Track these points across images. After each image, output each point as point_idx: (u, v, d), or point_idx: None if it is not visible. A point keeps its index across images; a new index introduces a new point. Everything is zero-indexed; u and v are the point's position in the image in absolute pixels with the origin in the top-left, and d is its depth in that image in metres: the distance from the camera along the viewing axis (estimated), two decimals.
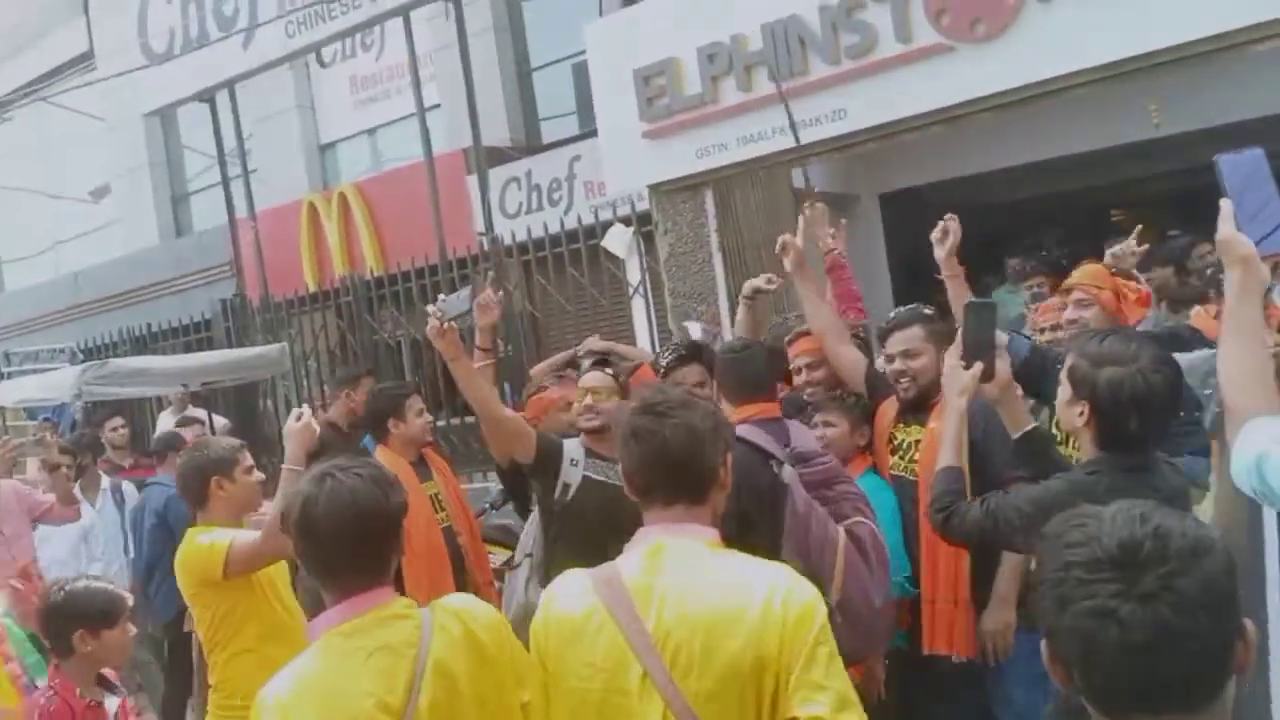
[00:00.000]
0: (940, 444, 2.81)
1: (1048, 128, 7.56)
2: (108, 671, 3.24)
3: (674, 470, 1.96)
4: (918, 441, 3.53)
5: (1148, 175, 9.35)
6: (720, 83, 7.65)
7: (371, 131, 13.61)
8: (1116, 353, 2.38)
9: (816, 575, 2.93)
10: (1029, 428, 2.81)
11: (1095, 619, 1.16)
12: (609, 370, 3.98)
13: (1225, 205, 1.96)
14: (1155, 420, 2.39)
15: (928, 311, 3.73)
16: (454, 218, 10.30)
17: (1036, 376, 3.17)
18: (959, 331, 2.87)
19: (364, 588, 2.02)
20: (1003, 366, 2.78)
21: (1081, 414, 2.43)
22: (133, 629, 3.19)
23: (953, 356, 2.79)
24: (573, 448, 3.80)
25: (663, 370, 4.03)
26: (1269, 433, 1.74)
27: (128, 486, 6.78)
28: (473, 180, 10.61)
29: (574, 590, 1.99)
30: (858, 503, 3.18)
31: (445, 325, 3.64)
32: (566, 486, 3.74)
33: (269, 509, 3.52)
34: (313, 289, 12.02)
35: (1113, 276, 3.61)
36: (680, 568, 1.90)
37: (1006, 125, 7.31)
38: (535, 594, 3.75)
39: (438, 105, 11.30)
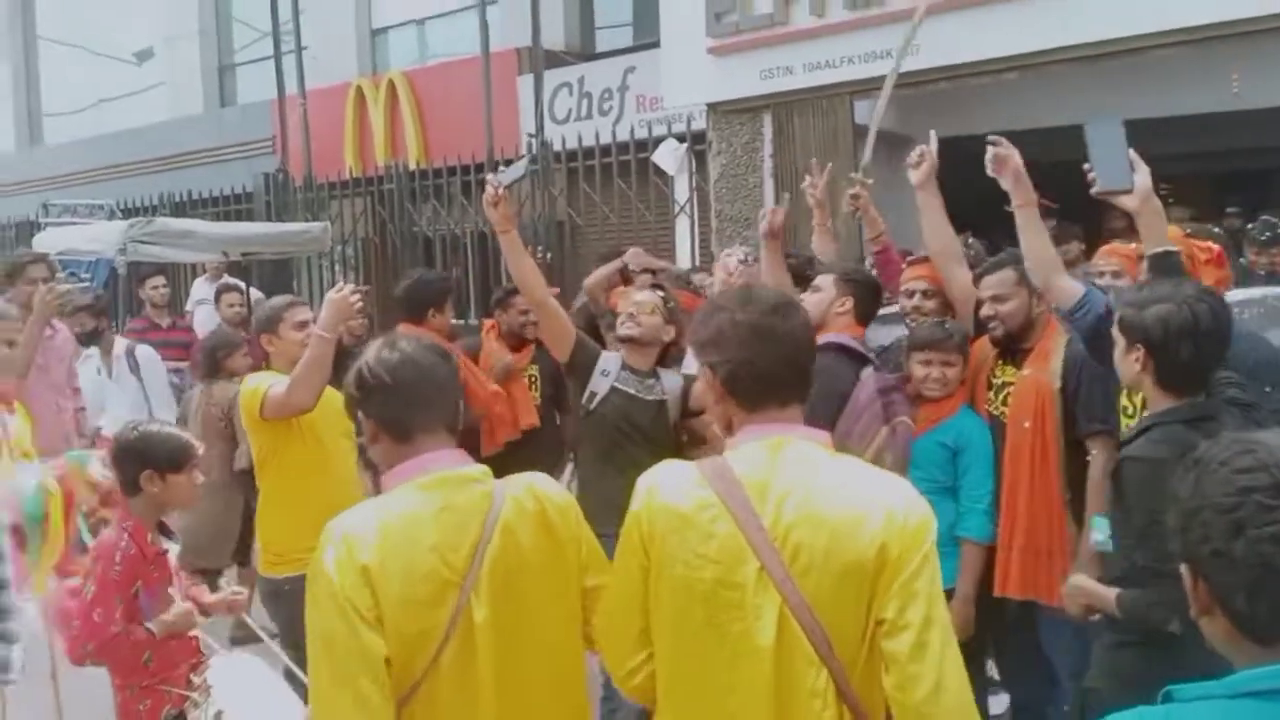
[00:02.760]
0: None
1: (1121, 89, 7.37)
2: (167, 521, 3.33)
3: (801, 370, 1.96)
4: (1009, 384, 3.54)
5: (1216, 150, 9.15)
6: (792, 4, 7.50)
7: (422, 22, 13.45)
8: (1160, 293, 2.56)
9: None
10: (1168, 248, 2.94)
11: (1279, 545, 1.16)
12: (662, 293, 4.00)
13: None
14: (1207, 348, 2.51)
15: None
16: (502, 117, 10.18)
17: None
18: (1092, 166, 2.96)
19: (433, 446, 2.04)
20: (1141, 179, 2.90)
21: (1138, 360, 2.54)
22: (199, 477, 3.26)
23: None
24: (609, 359, 3.85)
25: None
26: None
27: (143, 350, 6.72)
28: (524, 81, 10.48)
29: (681, 481, 1.94)
30: (907, 407, 3.45)
31: (500, 193, 3.65)
32: (593, 395, 3.79)
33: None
34: (354, 174, 11.97)
35: (1186, 238, 3.51)
36: (800, 467, 1.88)
37: (1080, 80, 7.14)
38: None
39: (494, 0, 11.12)
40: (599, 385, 3.79)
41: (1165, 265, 2.92)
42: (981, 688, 3.77)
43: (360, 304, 3.77)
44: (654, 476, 2.00)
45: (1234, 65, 6.49)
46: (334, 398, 3.86)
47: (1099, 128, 2.98)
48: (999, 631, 3.55)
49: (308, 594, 1.94)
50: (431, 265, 11.56)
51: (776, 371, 1.94)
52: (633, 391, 3.78)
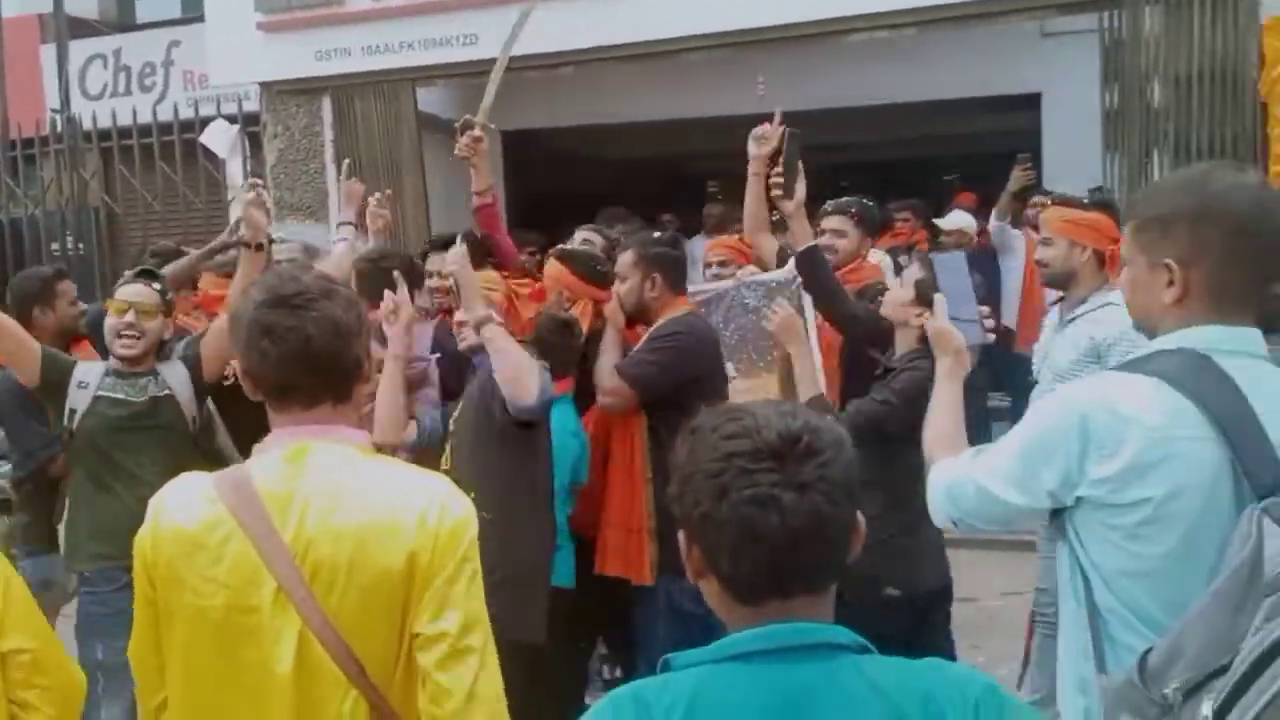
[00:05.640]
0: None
1: (665, 88, 7.88)
2: None
3: (319, 369, 1.74)
4: None
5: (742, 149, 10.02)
6: None
7: None
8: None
9: None
10: (810, 244, 3.62)
11: (757, 507, 1.20)
12: (155, 285, 3.49)
13: (939, 300, 2.24)
14: None
15: (657, 235, 3.84)
16: (23, 91, 9.12)
17: None
18: (784, 163, 3.60)
19: None
20: (800, 189, 3.58)
21: (920, 315, 3.02)
22: None
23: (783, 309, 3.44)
24: (87, 370, 3.40)
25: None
26: (949, 466, 1.97)
27: None
28: (48, 50, 9.41)
29: (191, 498, 1.74)
30: None
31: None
32: (73, 412, 3.34)
33: None
34: None
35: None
36: (327, 474, 1.72)
37: (629, 80, 7.55)
38: None
39: None
40: (78, 400, 3.33)
41: (811, 258, 3.60)
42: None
43: None
44: (162, 495, 1.78)
45: (759, 69, 7.14)
46: None
47: (792, 145, 3.64)
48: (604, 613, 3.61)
49: None
50: None
51: (278, 373, 1.74)
52: (121, 396, 3.36)
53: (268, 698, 1.67)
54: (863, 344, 3.59)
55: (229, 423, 3.71)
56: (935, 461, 2.01)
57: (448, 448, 3.34)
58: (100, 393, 3.34)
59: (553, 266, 3.84)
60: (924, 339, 2.94)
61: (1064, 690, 1.82)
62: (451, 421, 3.36)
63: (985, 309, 2.39)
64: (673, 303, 3.59)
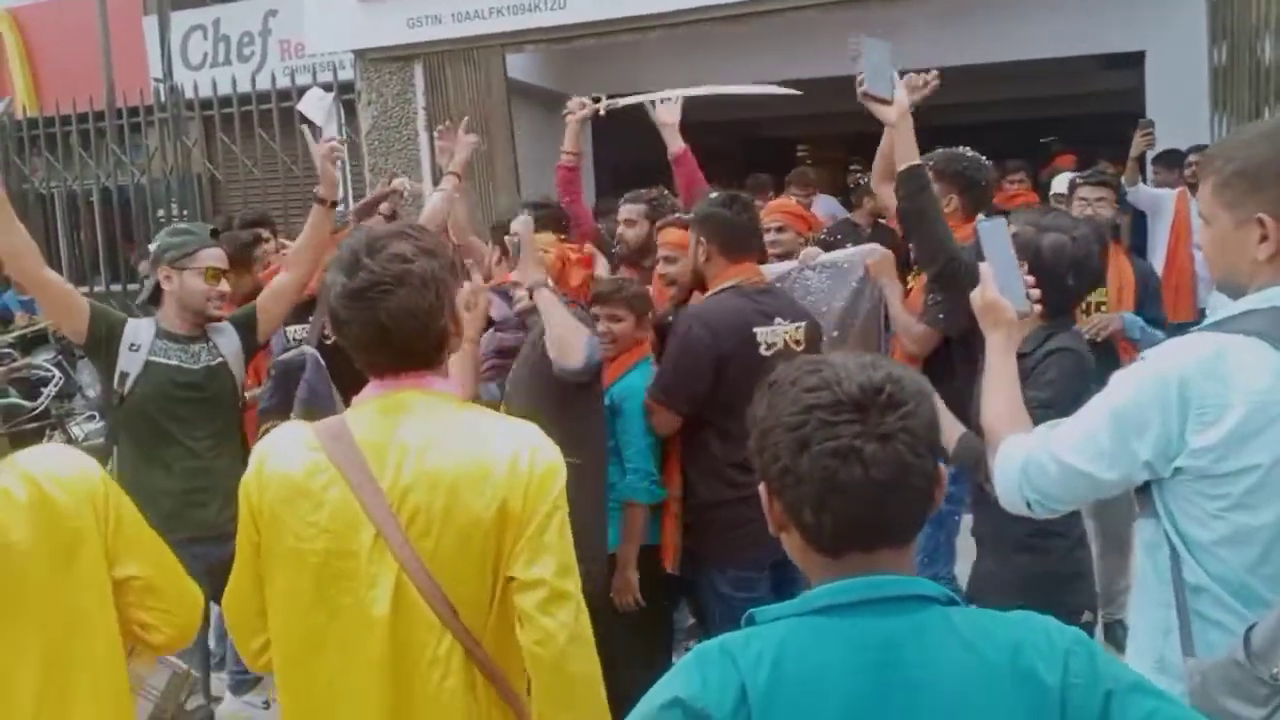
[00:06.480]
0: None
1: (765, 50, 7.78)
2: None
3: (400, 351, 1.79)
4: None
5: (848, 111, 9.87)
6: None
7: None
8: (1058, 223, 2.60)
9: None
10: (915, 161, 3.18)
11: (839, 459, 1.18)
12: (224, 246, 3.50)
13: (985, 269, 2.09)
14: (1086, 280, 2.62)
15: (713, 195, 3.56)
16: (126, 62, 9.33)
17: None
18: (864, 71, 3.07)
19: None
20: (900, 96, 3.13)
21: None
22: None
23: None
24: (139, 329, 3.29)
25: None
26: (1021, 444, 1.85)
27: None
28: (151, 22, 9.66)
29: (293, 446, 1.80)
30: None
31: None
32: (124, 376, 3.25)
33: None
34: None
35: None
36: (422, 423, 1.77)
37: (724, 41, 7.47)
38: None
39: None
40: (130, 364, 3.23)
41: (914, 177, 3.20)
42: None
43: None
44: (267, 442, 1.84)
45: (849, 29, 6.99)
46: None
47: (872, 44, 3.15)
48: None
49: None
50: (50, 226, 10.44)
51: (363, 355, 1.81)
52: (175, 362, 3.28)
53: (364, 640, 1.72)
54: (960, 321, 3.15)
55: (333, 375, 3.79)
56: (1000, 440, 1.91)
57: (502, 408, 3.27)
58: (153, 358, 3.26)
59: (674, 234, 3.65)
60: (1046, 311, 2.50)
61: (1138, 670, 1.76)
62: (507, 384, 3.29)
63: (1031, 278, 2.27)
64: (726, 271, 3.32)
